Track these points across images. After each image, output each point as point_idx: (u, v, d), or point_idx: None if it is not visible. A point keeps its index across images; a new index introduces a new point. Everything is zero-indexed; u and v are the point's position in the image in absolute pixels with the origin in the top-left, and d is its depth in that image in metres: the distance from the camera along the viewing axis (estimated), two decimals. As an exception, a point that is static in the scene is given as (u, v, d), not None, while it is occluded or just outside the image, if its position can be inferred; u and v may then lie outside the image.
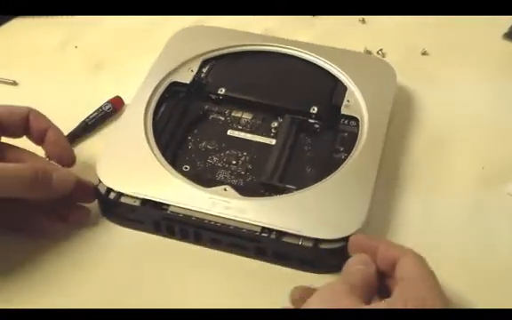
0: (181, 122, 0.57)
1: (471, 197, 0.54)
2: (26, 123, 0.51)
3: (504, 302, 0.47)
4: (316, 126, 0.57)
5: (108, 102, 0.60)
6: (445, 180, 0.55)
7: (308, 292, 0.43)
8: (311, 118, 0.57)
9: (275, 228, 0.48)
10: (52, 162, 0.51)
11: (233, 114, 0.58)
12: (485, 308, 0.46)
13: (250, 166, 0.54)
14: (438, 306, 0.39)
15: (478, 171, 0.56)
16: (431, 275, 0.42)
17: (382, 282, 0.44)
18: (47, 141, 0.51)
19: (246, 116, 0.58)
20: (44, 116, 0.52)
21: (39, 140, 0.52)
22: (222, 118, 0.58)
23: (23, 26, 0.71)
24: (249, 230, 0.48)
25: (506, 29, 0.69)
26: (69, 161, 0.52)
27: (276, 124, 0.57)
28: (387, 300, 0.40)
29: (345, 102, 0.57)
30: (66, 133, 0.56)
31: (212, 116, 0.58)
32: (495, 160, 0.57)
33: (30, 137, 0.52)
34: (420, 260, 0.42)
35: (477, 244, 0.51)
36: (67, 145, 0.53)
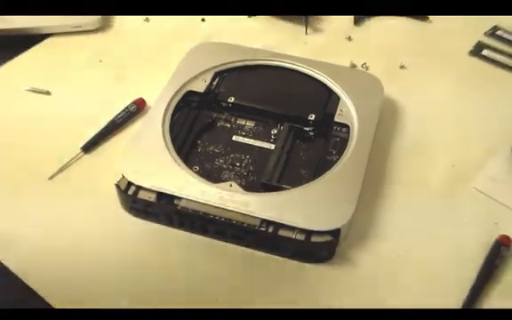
0: (193, 128, 0.58)
1: (444, 192, 0.55)
2: None
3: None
4: (311, 134, 0.57)
5: (132, 103, 0.62)
6: (422, 178, 0.56)
7: None
8: (308, 125, 0.57)
9: (273, 220, 0.49)
10: None
11: (238, 122, 0.59)
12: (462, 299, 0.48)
13: (251, 168, 0.55)
14: None
15: (449, 168, 0.57)
16: None
17: None
18: None
19: (249, 124, 0.59)
20: None
21: None
22: (228, 125, 0.59)
23: (55, 44, 0.72)
24: (249, 224, 0.49)
25: (471, 47, 0.71)
26: None
27: (275, 131, 0.58)
28: None
29: (338, 111, 0.58)
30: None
31: (219, 124, 0.59)
32: (463, 159, 0.58)
33: None
34: None
35: (448, 234, 0.52)
36: None
